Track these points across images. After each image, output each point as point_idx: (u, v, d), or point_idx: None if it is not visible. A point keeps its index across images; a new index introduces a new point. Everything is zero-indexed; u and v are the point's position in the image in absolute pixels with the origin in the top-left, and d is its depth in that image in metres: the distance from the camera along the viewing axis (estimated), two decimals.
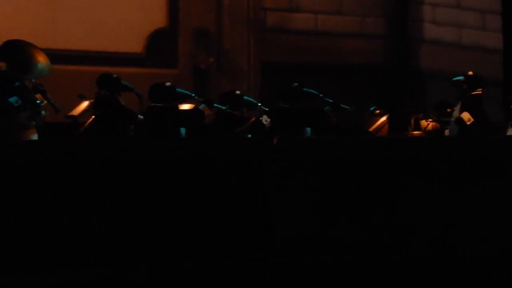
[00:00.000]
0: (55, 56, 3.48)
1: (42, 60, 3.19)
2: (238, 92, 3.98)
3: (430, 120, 4.28)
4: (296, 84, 3.95)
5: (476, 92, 4.05)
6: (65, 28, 4.46)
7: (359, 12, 5.27)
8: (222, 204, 2.45)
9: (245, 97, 4.02)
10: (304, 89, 3.99)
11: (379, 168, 2.58)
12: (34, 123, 3.14)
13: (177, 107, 3.80)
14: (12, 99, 3.10)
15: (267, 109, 3.90)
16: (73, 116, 3.94)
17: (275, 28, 5.20)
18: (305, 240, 2.41)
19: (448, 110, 4.33)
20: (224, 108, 3.82)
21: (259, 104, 4.06)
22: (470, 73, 4.15)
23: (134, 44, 4.57)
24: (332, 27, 5.20)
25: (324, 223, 2.46)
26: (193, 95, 3.93)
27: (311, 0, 5.27)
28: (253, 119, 3.83)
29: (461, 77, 4.09)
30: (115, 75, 3.79)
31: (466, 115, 4.10)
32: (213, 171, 2.53)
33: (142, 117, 3.82)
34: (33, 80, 3.19)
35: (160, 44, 4.69)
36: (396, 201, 2.53)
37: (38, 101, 3.18)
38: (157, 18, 4.66)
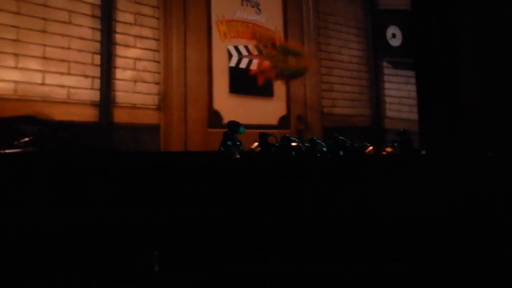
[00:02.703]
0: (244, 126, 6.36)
1: (241, 127, 6.03)
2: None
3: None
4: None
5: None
6: (247, 111, 8.90)
7: None
8: None
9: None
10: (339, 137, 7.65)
11: None
12: (237, 154, 5.73)
13: (291, 146, 6.99)
14: (229, 143, 5.80)
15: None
16: (251, 148, 6.72)
17: (328, 112, 11.21)
18: None
19: None
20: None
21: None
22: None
23: (275, 121, 9.60)
24: None
25: None
26: (297, 140, 7.27)
27: None
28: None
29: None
30: (268, 133, 7.02)
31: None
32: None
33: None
34: (236, 135, 5.99)
35: (284, 120, 9.63)
36: None
37: (238, 143, 5.89)
38: (282, 110, 9.69)
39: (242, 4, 9.51)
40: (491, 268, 3.19)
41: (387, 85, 11.58)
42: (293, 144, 6.80)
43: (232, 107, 8.65)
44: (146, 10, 8.32)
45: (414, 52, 11.57)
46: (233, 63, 9.27)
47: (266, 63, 9.65)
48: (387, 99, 11.54)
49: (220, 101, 8.88)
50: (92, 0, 7.66)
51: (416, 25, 11.28)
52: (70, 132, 6.87)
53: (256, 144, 6.74)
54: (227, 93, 9.04)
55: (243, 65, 9.41)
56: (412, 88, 11.70)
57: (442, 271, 3.04)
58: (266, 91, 9.65)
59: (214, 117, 8.76)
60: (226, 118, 7.89)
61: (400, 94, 11.59)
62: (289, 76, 9.99)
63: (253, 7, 9.59)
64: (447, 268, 3.09)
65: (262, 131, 6.93)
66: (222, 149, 5.75)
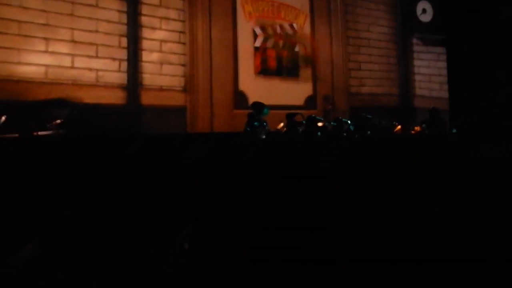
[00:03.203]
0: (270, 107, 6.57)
1: (265, 108, 6.22)
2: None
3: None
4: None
5: None
6: (272, 92, 8.90)
7: None
8: None
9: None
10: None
11: None
12: (263, 135, 5.84)
13: (317, 126, 6.91)
14: (256, 123, 5.97)
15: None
16: (277, 129, 6.78)
17: (355, 92, 11.05)
18: None
19: None
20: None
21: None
22: None
23: (301, 101, 9.63)
24: None
25: None
26: (323, 119, 7.20)
27: None
28: None
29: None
30: (296, 112, 7.19)
31: None
32: None
33: None
34: (262, 116, 6.16)
35: (310, 101, 9.69)
36: None
37: (264, 123, 6.08)
38: (309, 90, 9.72)
39: None
40: None
41: (416, 62, 11.30)
42: (319, 124, 6.72)
43: (257, 88, 8.62)
44: None
45: (445, 26, 11.18)
46: (258, 43, 9.19)
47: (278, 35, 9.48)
48: (417, 77, 11.28)
49: (246, 82, 8.87)
50: None
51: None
52: (98, 114, 7.00)
53: (282, 124, 6.75)
54: (253, 74, 9.01)
55: (268, 45, 9.32)
56: (443, 65, 11.23)
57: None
58: (291, 72, 9.59)
59: (240, 99, 8.77)
60: (252, 99, 7.89)
61: (430, 72, 11.32)
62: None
63: None
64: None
65: (288, 112, 6.89)
66: (248, 129, 5.80)
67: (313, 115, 7.26)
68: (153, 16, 8.11)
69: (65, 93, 6.77)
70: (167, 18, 8.23)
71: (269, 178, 3.63)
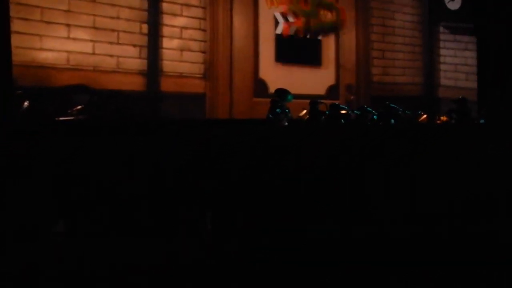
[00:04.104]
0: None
1: (289, 95, 6.08)
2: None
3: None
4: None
5: None
6: (293, 80, 8.43)
7: None
8: None
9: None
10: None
11: None
12: (286, 122, 5.81)
13: (340, 114, 6.87)
14: (278, 110, 5.81)
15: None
16: (299, 116, 6.73)
17: (377, 81, 10.84)
18: None
19: None
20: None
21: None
22: None
23: (322, 90, 9.33)
24: None
25: None
26: (346, 108, 7.08)
27: None
28: None
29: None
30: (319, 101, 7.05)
31: None
32: None
33: None
34: (285, 103, 5.98)
35: (332, 90, 9.43)
36: None
37: (287, 110, 5.92)
38: (331, 79, 9.47)
39: None
40: None
41: (442, 51, 10.98)
42: (343, 112, 6.67)
43: (278, 76, 8.49)
44: None
45: (475, 15, 10.81)
46: (279, 30, 9.05)
47: (300, 21, 9.21)
48: (442, 67, 10.98)
49: (266, 70, 8.77)
50: None
51: None
52: (119, 100, 7.04)
53: (304, 111, 6.68)
54: (273, 62, 8.88)
55: (290, 32, 9.17)
56: (470, 54, 10.98)
57: None
58: (314, 59, 9.37)
59: (260, 87, 8.68)
60: (272, 88, 7.79)
61: (456, 61, 10.97)
62: (322, 31, 9.50)
63: None
64: None
65: (312, 100, 6.86)
66: (270, 116, 5.75)
67: (337, 103, 7.21)
68: (174, 3, 8.06)
69: (86, 79, 6.83)
70: (187, 5, 8.18)
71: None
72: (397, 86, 10.47)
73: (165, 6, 7.96)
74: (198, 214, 3.72)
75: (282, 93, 6.05)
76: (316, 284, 2.78)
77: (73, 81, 6.75)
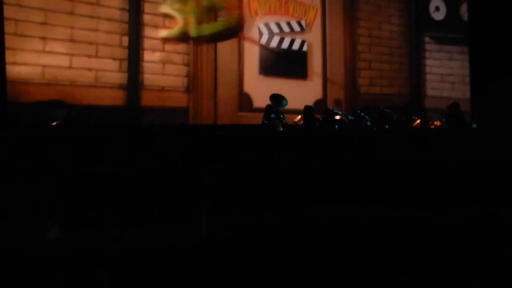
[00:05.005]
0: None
1: (284, 100, 6.35)
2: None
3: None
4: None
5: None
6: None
7: None
8: None
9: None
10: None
11: None
12: (280, 127, 5.96)
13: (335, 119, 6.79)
14: (273, 116, 6.06)
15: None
16: (294, 122, 6.86)
17: (364, 92, 10.67)
18: None
19: None
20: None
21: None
22: None
23: (311, 102, 9.10)
24: None
25: None
26: (340, 113, 7.13)
27: None
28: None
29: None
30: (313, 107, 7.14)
31: None
32: None
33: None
34: (280, 108, 6.24)
35: (320, 105, 8.84)
36: None
37: (281, 116, 6.14)
38: (319, 94, 9.26)
39: None
40: None
41: (428, 61, 10.94)
42: (337, 117, 6.65)
43: (262, 90, 8.29)
44: None
45: (468, 24, 10.83)
46: (263, 41, 8.86)
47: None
48: (428, 77, 10.91)
49: (251, 84, 8.56)
50: None
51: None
52: (97, 115, 6.78)
53: (299, 117, 6.68)
54: (257, 75, 8.68)
55: (273, 43, 9.00)
56: (456, 64, 10.99)
57: None
58: (299, 72, 9.13)
59: (244, 100, 8.47)
60: (256, 102, 7.61)
61: (442, 71, 10.94)
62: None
63: None
64: None
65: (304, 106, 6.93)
66: (265, 121, 5.85)
67: (331, 108, 7.28)
68: (156, 15, 7.84)
69: (63, 94, 6.56)
70: (170, 17, 7.96)
71: None
72: (384, 97, 10.34)
73: (146, 18, 7.75)
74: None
75: (277, 98, 6.15)
76: None
77: (49, 96, 6.48)
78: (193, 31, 8.08)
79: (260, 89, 8.41)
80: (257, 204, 3.94)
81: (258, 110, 7.42)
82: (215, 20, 8.28)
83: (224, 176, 4.02)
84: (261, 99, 7.10)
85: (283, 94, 6.46)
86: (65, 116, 6.30)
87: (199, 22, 8.16)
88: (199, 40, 8.16)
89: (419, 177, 4.48)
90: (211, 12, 8.28)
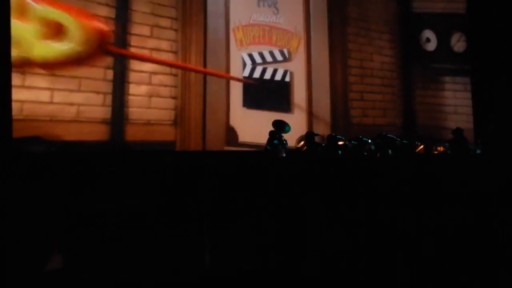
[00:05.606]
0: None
1: (287, 126, 6.39)
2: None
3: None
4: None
5: None
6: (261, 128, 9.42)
7: None
8: None
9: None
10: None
11: None
12: (284, 153, 6.04)
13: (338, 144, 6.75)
14: (276, 142, 6.04)
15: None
16: (297, 147, 7.13)
17: (356, 123, 10.48)
18: None
19: None
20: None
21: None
22: None
23: (293, 141, 9.73)
24: None
25: None
26: (343, 138, 6.96)
27: None
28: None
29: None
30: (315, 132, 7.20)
31: None
32: None
33: None
34: (282, 134, 6.27)
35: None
36: None
37: (284, 142, 6.16)
38: (303, 128, 8.91)
39: (258, 6, 8.85)
40: None
41: (420, 92, 10.90)
42: (340, 142, 6.62)
43: (246, 123, 8.09)
44: (164, 23, 7.97)
45: (471, 56, 10.98)
46: (246, 73, 8.68)
47: None
48: (421, 107, 10.82)
49: (235, 117, 8.37)
50: (105, 13, 7.37)
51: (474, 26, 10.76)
52: (79, 151, 6.55)
53: (302, 143, 6.73)
54: (241, 108, 8.49)
55: (256, 74, 8.83)
56: (449, 94, 10.98)
57: None
58: (283, 105, 8.82)
59: (231, 134, 8.27)
60: (241, 136, 7.41)
61: (435, 102, 10.89)
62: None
63: (270, 6, 8.86)
64: None
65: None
66: (268, 148, 5.86)
67: (334, 134, 7.26)
68: (143, 47, 7.74)
69: (42, 129, 6.34)
70: (157, 49, 7.88)
71: None
72: (377, 128, 10.18)
73: (133, 51, 7.63)
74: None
75: (279, 124, 6.21)
76: None
77: (28, 132, 6.26)
78: None
79: (244, 122, 8.22)
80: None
81: (244, 145, 7.26)
82: None
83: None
84: (245, 133, 6.89)
85: (266, 128, 6.28)
86: (43, 152, 6.07)
87: None
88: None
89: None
90: None
